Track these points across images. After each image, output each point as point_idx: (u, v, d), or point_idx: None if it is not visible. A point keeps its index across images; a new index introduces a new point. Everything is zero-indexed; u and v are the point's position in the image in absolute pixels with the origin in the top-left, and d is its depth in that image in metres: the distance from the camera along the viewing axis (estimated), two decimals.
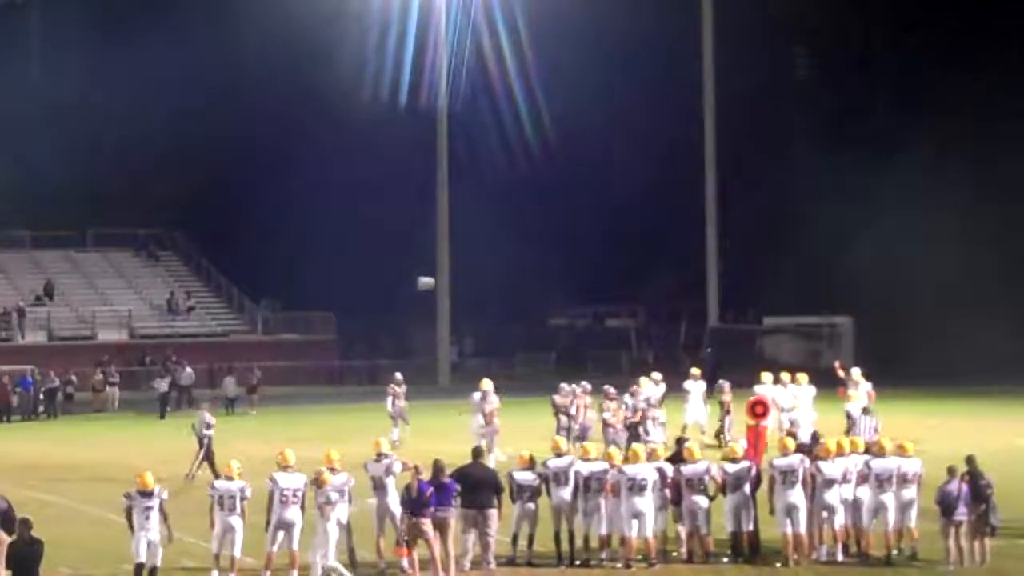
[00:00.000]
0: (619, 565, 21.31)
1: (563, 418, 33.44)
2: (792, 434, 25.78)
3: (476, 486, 21.16)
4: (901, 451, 21.85)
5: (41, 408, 50.21)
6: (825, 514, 21.42)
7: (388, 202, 67.15)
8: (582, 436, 31.87)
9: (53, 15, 74.11)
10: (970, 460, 21.65)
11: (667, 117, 66.12)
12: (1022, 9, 64.35)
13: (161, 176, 70.49)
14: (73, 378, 52.13)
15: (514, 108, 69.88)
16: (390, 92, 66.83)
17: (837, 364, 35.70)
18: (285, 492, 20.47)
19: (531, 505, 21.61)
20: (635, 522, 21.15)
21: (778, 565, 21.14)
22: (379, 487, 21.69)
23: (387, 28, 64.08)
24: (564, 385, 34.41)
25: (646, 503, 21.20)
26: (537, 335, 72.61)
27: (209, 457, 31.34)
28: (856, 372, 34.04)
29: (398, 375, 38.07)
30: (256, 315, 66.93)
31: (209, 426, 31.81)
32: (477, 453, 22.40)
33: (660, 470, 21.66)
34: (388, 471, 21.64)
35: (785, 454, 21.65)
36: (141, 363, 57.56)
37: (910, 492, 21.43)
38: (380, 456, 21.89)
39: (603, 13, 65.20)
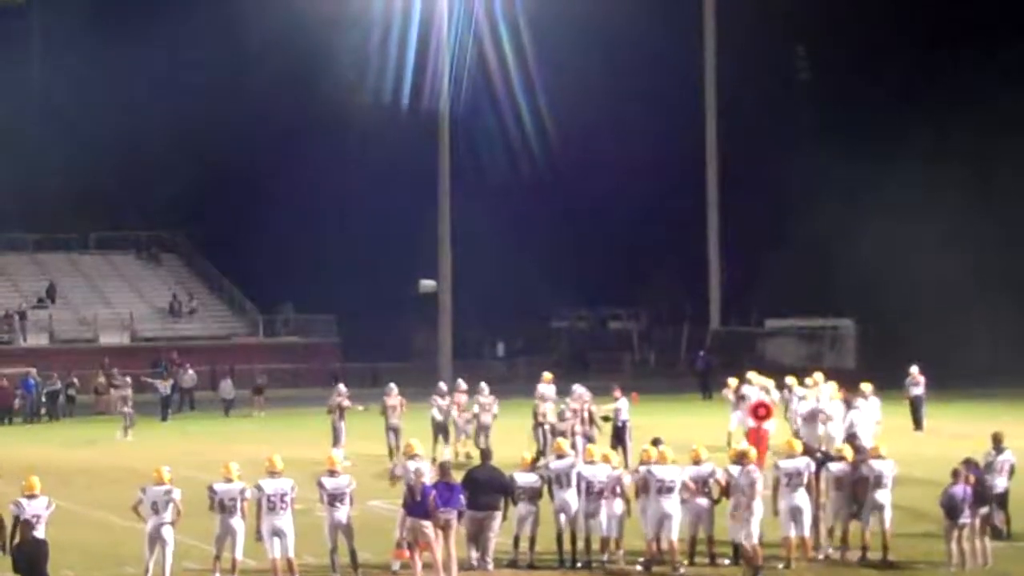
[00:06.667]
0: (638, 567, 21.25)
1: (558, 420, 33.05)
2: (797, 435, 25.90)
3: (483, 488, 21.12)
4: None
5: (43, 410, 50.22)
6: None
7: (390, 204, 67.08)
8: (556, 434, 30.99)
9: (53, 15, 74.08)
10: (968, 462, 21.64)
11: (668, 118, 66.08)
12: (1023, 8, 64.33)
13: (163, 178, 70.43)
14: (75, 380, 52.09)
15: (516, 110, 69.85)
16: (392, 94, 66.83)
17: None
18: (272, 498, 20.33)
19: (532, 507, 21.58)
20: (665, 523, 21.08)
21: (780, 566, 21.13)
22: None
23: (389, 30, 64.05)
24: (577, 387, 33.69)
25: (673, 505, 21.17)
26: (539, 337, 72.57)
27: None
28: (915, 369, 37.92)
29: (442, 385, 36.49)
30: (258, 317, 66.94)
31: None
32: (486, 455, 22.27)
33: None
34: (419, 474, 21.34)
35: (791, 456, 21.62)
36: (154, 365, 57.28)
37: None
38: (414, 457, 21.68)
39: (604, 15, 65.17)
